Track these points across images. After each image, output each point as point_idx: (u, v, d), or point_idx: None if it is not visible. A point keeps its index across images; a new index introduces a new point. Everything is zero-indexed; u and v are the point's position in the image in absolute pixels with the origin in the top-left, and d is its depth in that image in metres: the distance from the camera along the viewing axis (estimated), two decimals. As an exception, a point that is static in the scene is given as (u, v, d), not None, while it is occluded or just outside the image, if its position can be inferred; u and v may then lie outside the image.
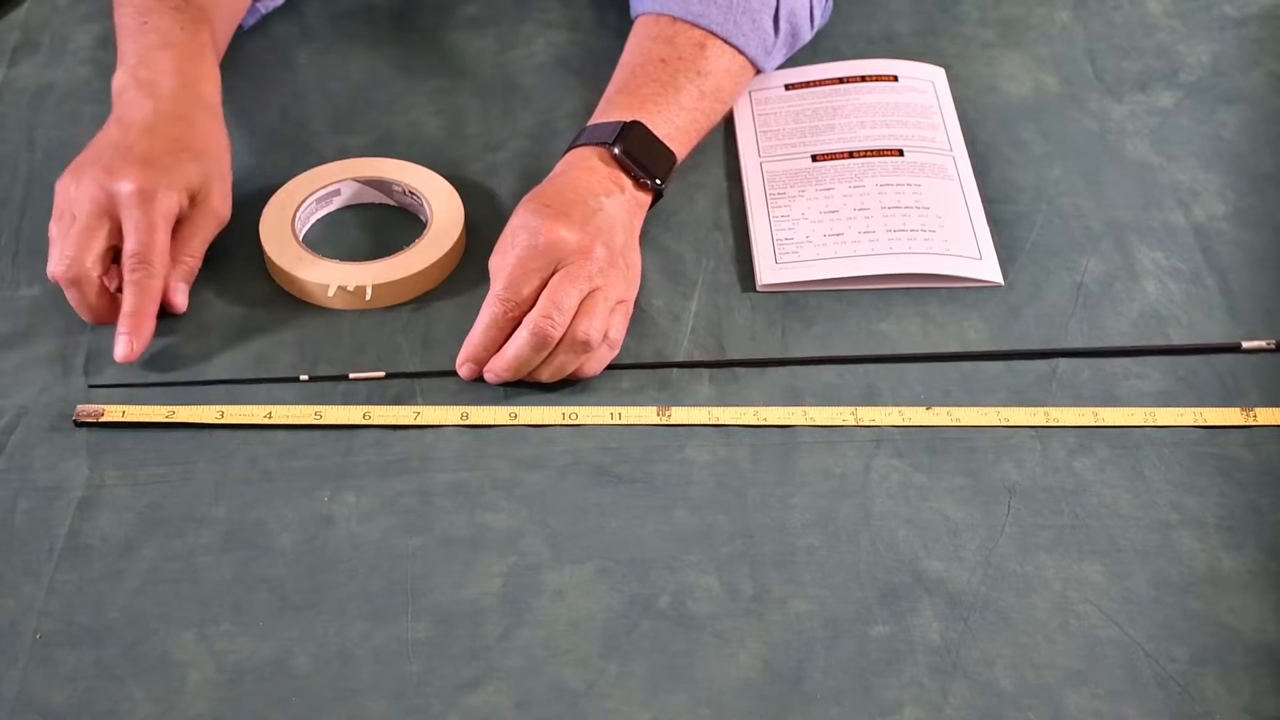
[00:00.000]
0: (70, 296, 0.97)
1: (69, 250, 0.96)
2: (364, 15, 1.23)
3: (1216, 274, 1.03)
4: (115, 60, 1.04)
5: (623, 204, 0.99)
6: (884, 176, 1.07)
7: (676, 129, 1.04)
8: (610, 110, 1.04)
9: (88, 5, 1.23)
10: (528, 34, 1.21)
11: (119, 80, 1.02)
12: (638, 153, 1.01)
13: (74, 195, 0.97)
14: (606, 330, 0.95)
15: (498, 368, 0.95)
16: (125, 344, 0.96)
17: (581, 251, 0.95)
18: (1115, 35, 1.22)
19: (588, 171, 1.00)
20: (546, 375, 0.95)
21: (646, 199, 1.02)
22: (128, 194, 0.96)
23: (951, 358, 0.98)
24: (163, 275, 0.97)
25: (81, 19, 1.23)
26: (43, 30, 1.22)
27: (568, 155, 1.02)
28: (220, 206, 1.00)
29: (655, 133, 1.02)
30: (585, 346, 0.94)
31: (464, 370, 0.96)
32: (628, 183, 1.01)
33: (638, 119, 1.02)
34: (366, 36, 1.21)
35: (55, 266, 0.96)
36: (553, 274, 0.94)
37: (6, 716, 0.81)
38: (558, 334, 0.93)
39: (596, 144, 1.01)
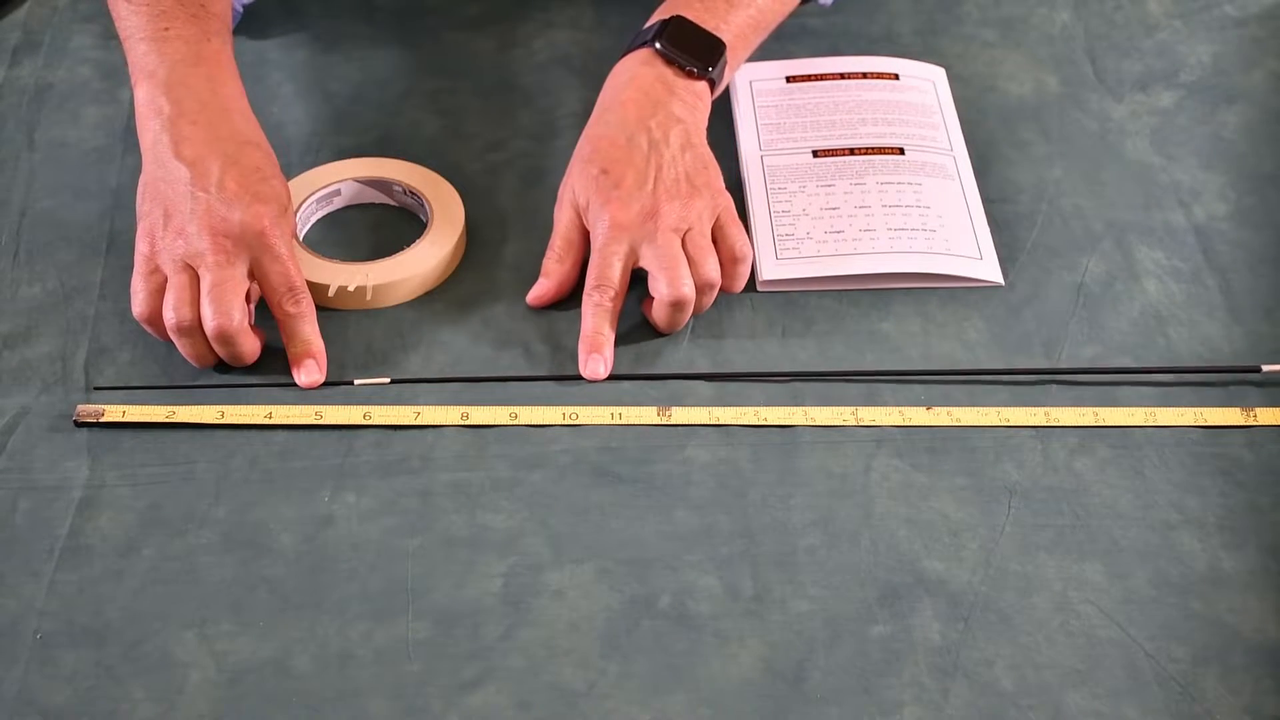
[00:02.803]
0: (185, 347, 0.95)
1: (223, 308, 0.93)
2: (364, 15, 1.23)
3: (1217, 274, 1.03)
4: (118, 60, 1.02)
5: (678, 109, 1.01)
6: (885, 175, 1.07)
7: (724, 20, 1.04)
8: (653, 18, 1.05)
9: (88, 5, 1.23)
10: (528, 34, 1.21)
11: (149, 95, 0.97)
12: (681, 44, 1.02)
13: (184, 249, 0.93)
14: (731, 249, 0.98)
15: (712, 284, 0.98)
16: (313, 369, 0.96)
17: (652, 215, 0.97)
18: (1115, 35, 1.22)
19: (635, 89, 1.01)
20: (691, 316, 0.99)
21: (704, 89, 1.03)
22: (254, 236, 0.93)
23: (952, 372, 0.98)
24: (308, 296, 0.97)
25: (81, 19, 1.23)
26: (43, 30, 1.22)
27: (615, 70, 1.04)
28: (293, 216, 0.99)
29: (700, 25, 1.03)
30: (712, 285, 0.98)
31: (593, 369, 0.97)
32: (678, 82, 1.01)
33: (678, 14, 1.03)
34: (366, 36, 1.21)
35: (212, 322, 0.93)
36: (638, 246, 0.97)
37: (6, 716, 0.81)
38: (691, 289, 0.96)
39: (639, 47, 1.02)
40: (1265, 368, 0.97)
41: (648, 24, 1.05)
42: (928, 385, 0.97)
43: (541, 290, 1.00)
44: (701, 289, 0.98)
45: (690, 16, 1.04)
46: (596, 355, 0.97)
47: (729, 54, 1.04)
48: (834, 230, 1.04)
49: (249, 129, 0.98)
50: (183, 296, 0.94)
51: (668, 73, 1.02)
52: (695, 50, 1.03)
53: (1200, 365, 0.98)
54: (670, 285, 0.96)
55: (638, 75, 1.02)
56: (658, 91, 1.01)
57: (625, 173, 0.98)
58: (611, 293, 0.97)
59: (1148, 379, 0.97)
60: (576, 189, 1.00)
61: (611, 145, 0.99)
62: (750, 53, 1.08)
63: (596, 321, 0.97)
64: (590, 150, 1.00)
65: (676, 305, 0.97)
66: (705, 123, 1.03)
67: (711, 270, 0.98)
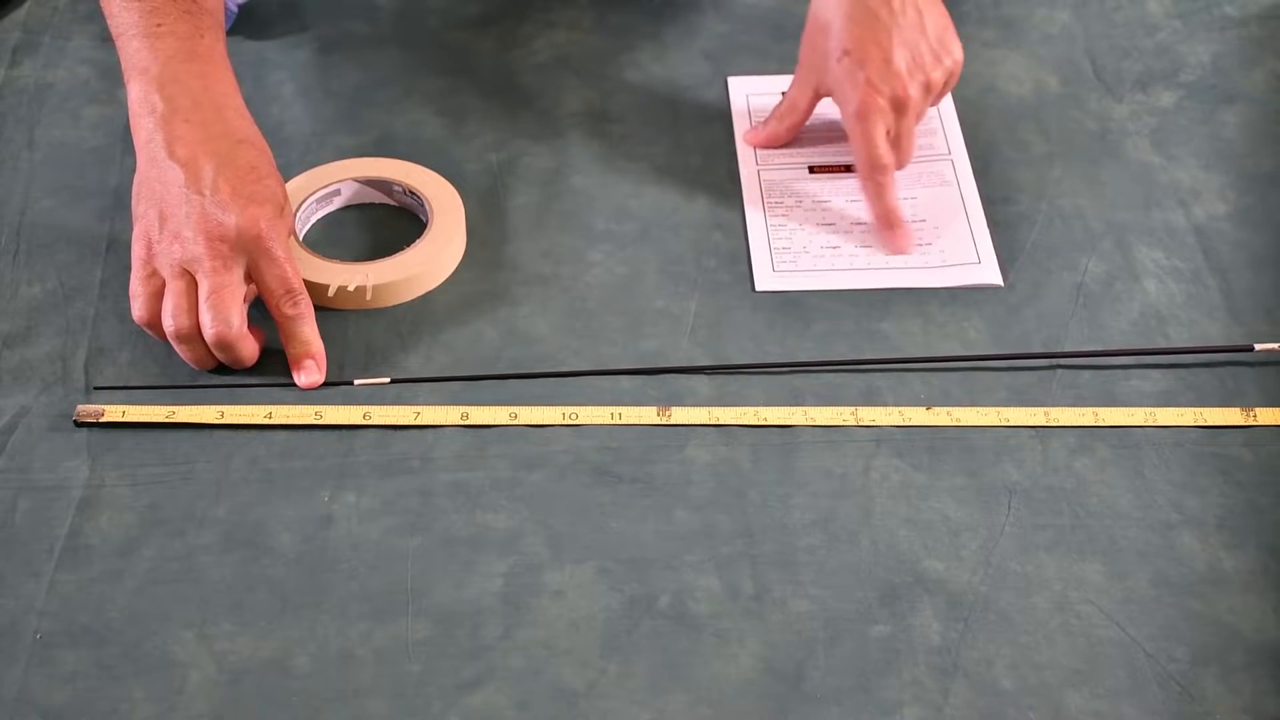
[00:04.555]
0: (185, 352, 0.95)
1: (221, 315, 0.93)
2: (364, 15, 1.23)
3: (1217, 274, 1.03)
4: (118, 60, 1.02)
5: None
6: None
7: None
8: None
9: (88, 5, 1.23)
10: (527, 34, 1.21)
11: (142, 92, 0.97)
12: None
13: (180, 255, 0.93)
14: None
15: (906, 158, 1.06)
16: (313, 370, 0.96)
17: (901, 99, 1.02)
18: (1115, 35, 1.22)
19: None
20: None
21: None
22: (250, 239, 0.93)
23: (951, 359, 0.98)
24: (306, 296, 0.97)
25: (81, 19, 1.23)
26: (43, 30, 1.22)
27: None
28: (289, 213, 0.98)
29: None
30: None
31: (903, 243, 1.03)
32: None
33: None
34: (366, 36, 1.21)
35: (211, 329, 0.93)
36: (889, 124, 1.03)
37: (6, 716, 0.81)
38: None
39: None
40: (1258, 346, 0.98)
41: None
42: (928, 384, 0.97)
43: (756, 134, 1.11)
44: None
45: None
46: (899, 231, 1.04)
47: None
48: (830, 246, 1.05)
49: (243, 126, 0.98)
50: (180, 304, 0.93)
51: None
52: None
53: (1193, 346, 0.98)
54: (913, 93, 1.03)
55: None
56: None
57: (870, 51, 1.02)
58: (888, 173, 1.03)
59: (1143, 361, 0.97)
60: (819, 72, 1.05)
61: (855, 24, 1.02)
62: None
63: (883, 203, 1.04)
64: (827, 32, 1.04)
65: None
66: None
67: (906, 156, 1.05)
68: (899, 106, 1.03)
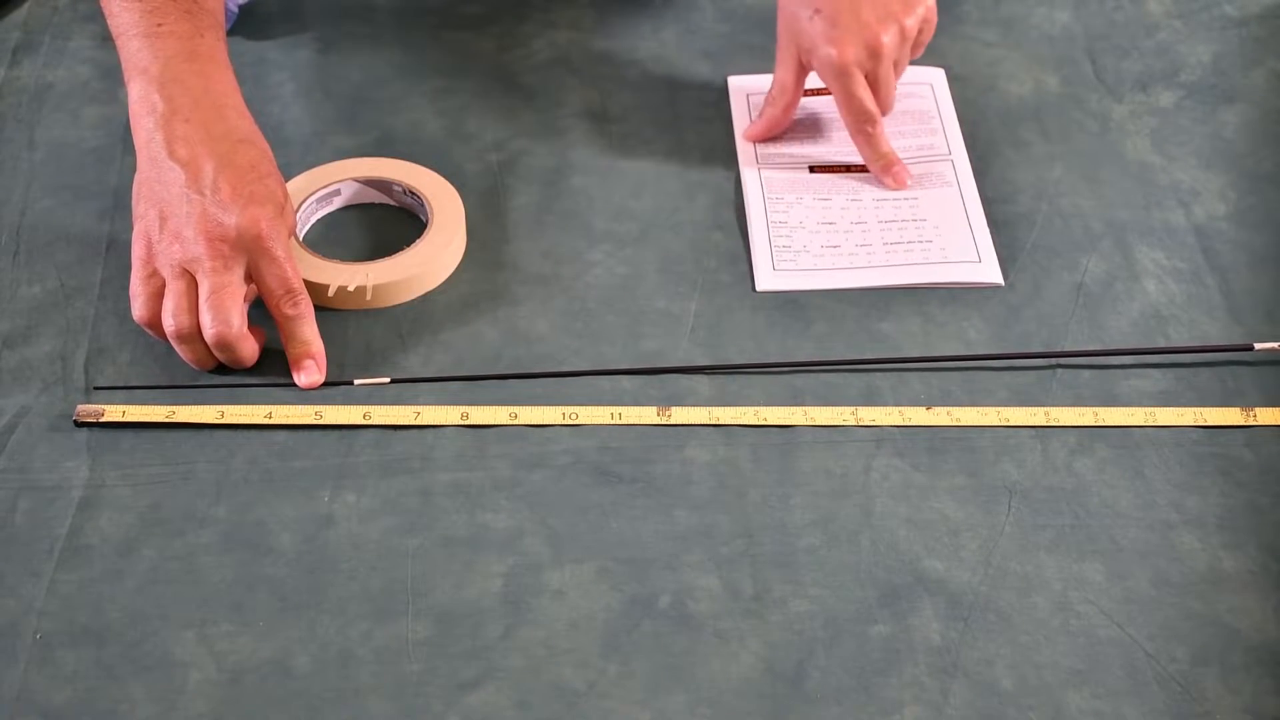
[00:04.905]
0: (185, 352, 0.95)
1: (222, 315, 0.93)
2: (364, 15, 1.23)
3: (1217, 274, 1.03)
4: (118, 60, 1.02)
5: None
6: (881, 191, 1.08)
7: None
8: None
9: (88, 5, 1.23)
10: (527, 34, 1.21)
11: (142, 91, 0.97)
12: None
13: (181, 255, 0.93)
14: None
15: (887, 105, 1.08)
16: (313, 370, 0.96)
17: (874, 48, 1.04)
18: (1115, 35, 1.22)
19: None
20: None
21: None
22: (251, 240, 0.93)
23: (951, 358, 0.98)
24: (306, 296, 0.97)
25: (81, 19, 1.23)
26: (43, 30, 1.22)
27: None
28: (290, 212, 0.98)
29: None
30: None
31: (899, 178, 1.08)
32: None
33: None
34: (366, 36, 1.21)
35: (211, 330, 0.93)
36: (868, 74, 1.05)
37: (6, 716, 0.81)
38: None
39: None
40: (1258, 346, 0.98)
41: None
42: (928, 384, 0.97)
43: (755, 127, 1.11)
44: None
45: None
46: (896, 170, 1.07)
47: None
48: (830, 245, 1.05)
49: (243, 125, 0.98)
50: (180, 304, 0.94)
51: None
52: None
53: (1193, 346, 0.98)
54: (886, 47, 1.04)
55: None
56: None
57: (839, 6, 1.03)
58: (875, 122, 1.06)
59: (1143, 361, 0.97)
60: (795, 36, 1.06)
61: None
62: None
63: (875, 150, 1.07)
64: None
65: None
66: None
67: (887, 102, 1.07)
68: (874, 54, 1.04)
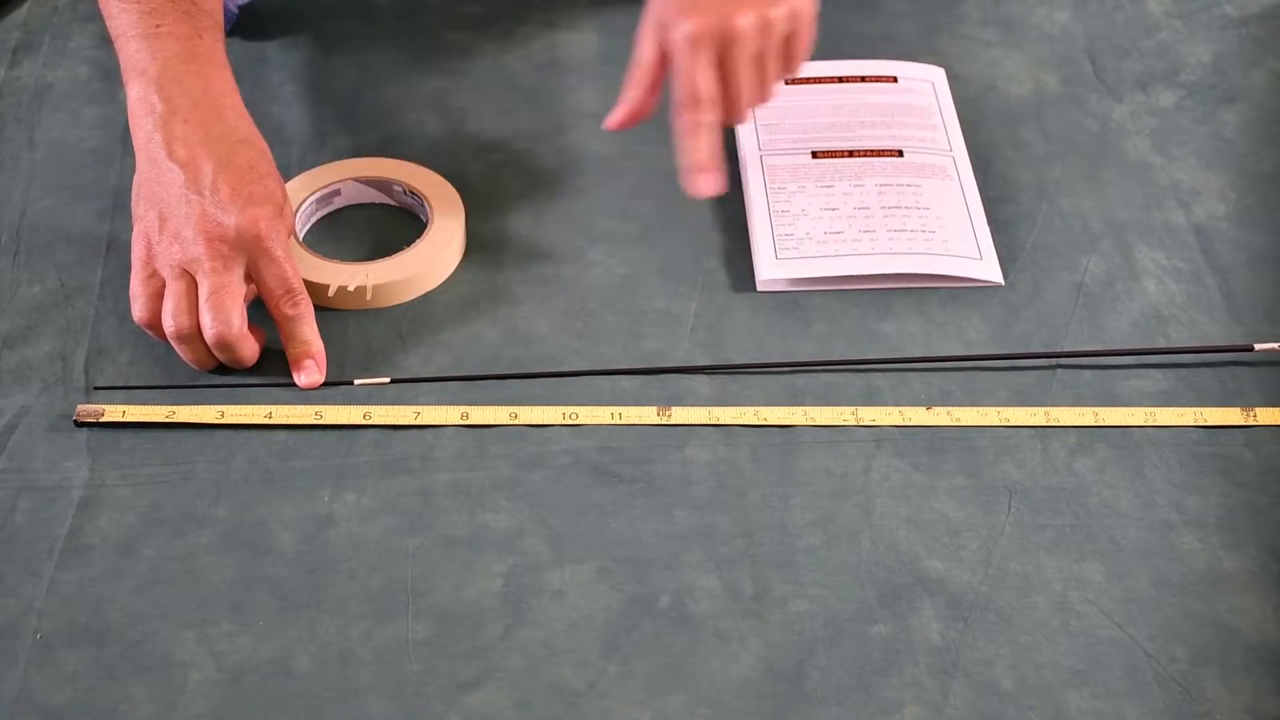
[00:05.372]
0: (185, 352, 0.95)
1: (221, 315, 0.93)
2: (364, 15, 1.23)
3: (1217, 274, 1.03)
4: (115, 59, 1.02)
5: None
6: (884, 177, 1.07)
7: None
8: None
9: (88, 5, 1.23)
10: (527, 34, 1.21)
11: (141, 92, 0.97)
12: None
13: (180, 255, 0.93)
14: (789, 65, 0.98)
15: (769, 97, 0.99)
16: (313, 370, 0.96)
17: (727, 19, 0.94)
18: (1115, 35, 1.22)
19: None
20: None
21: None
22: (250, 240, 0.93)
23: (952, 358, 0.98)
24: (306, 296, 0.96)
25: (81, 19, 1.23)
26: (43, 30, 1.22)
27: None
28: (289, 212, 0.98)
29: None
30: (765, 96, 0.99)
31: (710, 186, 0.96)
32: None
33: None
34: (366, 36, 1.21)
35: (211, 330, 0.93)
36: (722, 54, 0.95)
37: (6, 716, 0.81)
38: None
39: None
40: (1258, 346, 0.98)
41: None
42: (928, 384, 0.97)
43: (616, 115, 1.00)
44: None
45: None
46: (707, 175, 0.96)
47: None
48: (833, 231, 1.04)
49: (242, 126, 0.98)
50: (180, 304, 0.94)
51: None
52: None
53: (1193, 346, 0.98)
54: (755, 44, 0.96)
55: None
56: None
57: None
58: (703, 108, 0.95)
59: (1143, 361, 0.97)
60: (656, 14, 0.97)
61: None
62: None
63: (693, 139, 0.96)
64: None
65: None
66: None
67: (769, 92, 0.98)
68: (727, 35, 0.95)
